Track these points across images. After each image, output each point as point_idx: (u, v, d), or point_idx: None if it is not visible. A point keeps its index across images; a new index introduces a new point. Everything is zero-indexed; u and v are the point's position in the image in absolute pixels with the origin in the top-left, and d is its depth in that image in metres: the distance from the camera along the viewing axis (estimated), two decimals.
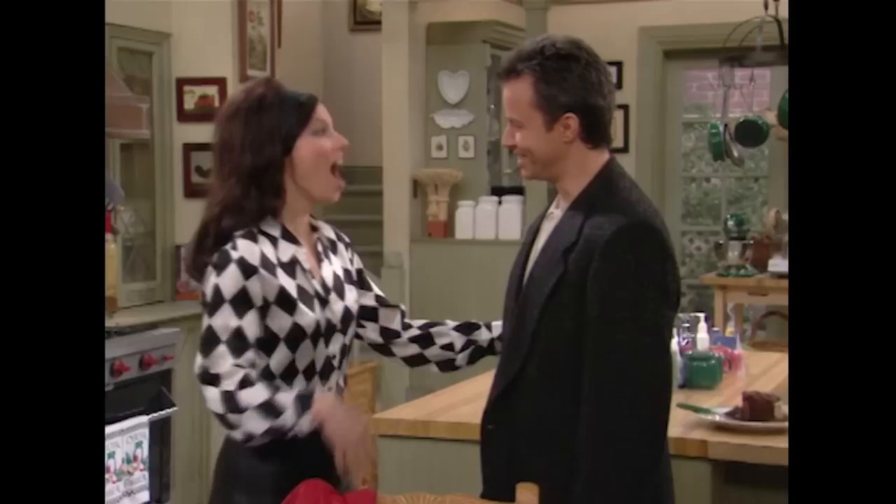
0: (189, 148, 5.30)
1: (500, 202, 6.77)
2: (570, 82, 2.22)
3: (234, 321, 2.24)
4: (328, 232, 2.51)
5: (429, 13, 6.91)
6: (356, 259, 2.55)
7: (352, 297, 2.45)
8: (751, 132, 6.40)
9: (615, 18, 7.28)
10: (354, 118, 7.81)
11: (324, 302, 2.36)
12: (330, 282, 2.40)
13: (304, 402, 2.22)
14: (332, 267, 2.44)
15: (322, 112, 2.40)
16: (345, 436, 2.20)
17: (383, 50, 6.84)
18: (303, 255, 2.36)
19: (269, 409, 2.18)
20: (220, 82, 5.26)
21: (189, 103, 5.30)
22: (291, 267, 2.33)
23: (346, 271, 2.48)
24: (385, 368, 5.52)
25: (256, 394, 2.20)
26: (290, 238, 2.37)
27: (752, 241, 6.63)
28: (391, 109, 6.71)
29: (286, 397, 2.21)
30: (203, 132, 5.28)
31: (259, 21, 5.44)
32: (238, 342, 2.24)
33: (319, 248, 2.44)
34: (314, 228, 2.46)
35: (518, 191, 6.87)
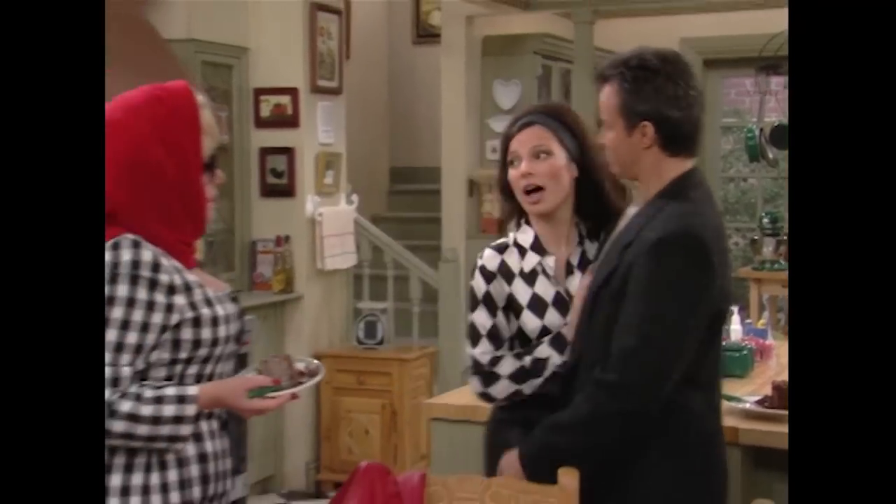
0: (265, 152, 5.32)
1: None
2: (646, 93, 2.19)
3: (488, 321, 2.38)
4: (594, 248, 2.45)
5: (484, 27, 6.89)
6: None
7: None
8: (785, 135, 6.30)
9: (658, 30, 7.18)
10: (416, 123, 7.82)
11: (566, 307, 2.37)
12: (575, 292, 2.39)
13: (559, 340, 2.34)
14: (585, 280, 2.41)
15: (514, 143, 2.42)
16: None
17: (442, 61, 6.83)
18: (549, 263, 2.40)
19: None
20: (293, 92, 5.27)
21: (265, 111, 5.32)
22: (532, 276, 2.39)
23: None
24: (442, 353, 5.52)
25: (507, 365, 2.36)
26: (539, 249, 2.41)
27: (785, 237, 6.53)
28: (449, 115, 6.70)
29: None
30: (278, 137, 5.36)
31: (328, 35, 5.44)
32: (494, 337, 2.39)
33: (574, 260, 2.42)
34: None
35: None
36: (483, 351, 2.38)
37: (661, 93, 2.18)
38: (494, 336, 2.39)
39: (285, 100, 5.27)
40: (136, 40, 4.51)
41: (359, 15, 7.40)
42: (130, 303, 1.95)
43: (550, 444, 2.19)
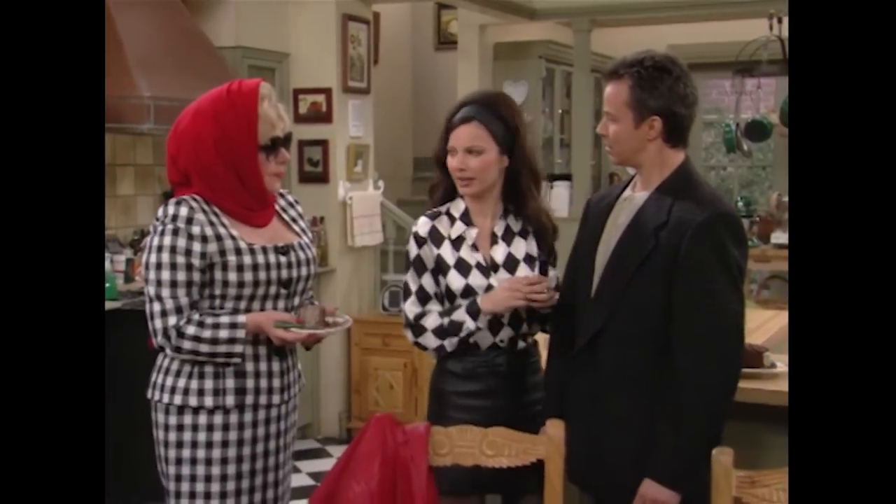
0: (303, 143, 5.30)
1: (551, 186, 6.66)
2: (661, 91, 2.13)
3: (415, 282, 2.37)
4: (518, 223, 2.42)
5: (496, 35, 6.83)
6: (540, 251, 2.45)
7: (526, 274, 2.38)
8: (758, 130, 6.25)
9: (648, 37, 7.06)
10: (436, 119, 7.72)
11: (487, 271, 2.34)
12: (500, 259, 2.37)
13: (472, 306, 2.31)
14: (510, 249, 2.39)
15: (453, 137, 2.37)
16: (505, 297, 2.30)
17: (459, 64, 6.78)
18: (472, 234, 2.37)
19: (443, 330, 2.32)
20: (327, 91, 5.25)
21: (303, 108, 5.29)
22: (458, 242, 2.36)
23: (529, 256, 2.40)
24: None
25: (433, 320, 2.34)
26: (466, 220, 2.39)
27: (758, 219, 6.48)
28: None
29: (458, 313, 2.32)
30: (314, 131, 5.34)
31: (358, 42, 5.40)
32: (421, 295, 2.36)
33: (499, 231, 2.40)
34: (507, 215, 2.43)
35: (567, 177, 6.77)
36: (410, 307, 2.38)
37: (673, 91, 2.13)
38: (420, 294, 2.37)
39: (320, 98, 5.24)
40: (194, 48, 4.50)
41: (386, 24, 7.35)
42: (173, 249, 2.15)
43: (681, 454, 2.07)
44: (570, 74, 7.03)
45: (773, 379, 2.60)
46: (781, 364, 2.69)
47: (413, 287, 2.37)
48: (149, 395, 2.27)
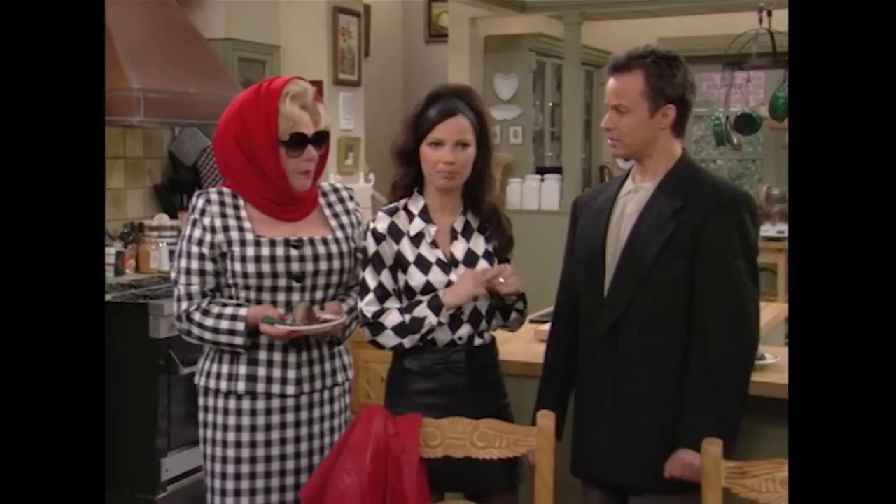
0: None
1: (542, 179, 6.67)
2: (677, 79, 2.17)
3: (374, 279, 2.31)
4: (476, 219, 2.38)
5: (486, 27, 6.82)
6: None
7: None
8: (747, 123, 6.24)
9: (638, 31, 7.08)
10: None
11: (448, 268, 2.31)
12: (460, 255, 2.33)
13: (434, 301, 2.27)
14: (469, 245, 2.35)
15: (440, 130, 2.29)
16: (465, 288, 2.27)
17: (450, 57, 6.77)
18: (431, 231, 2.33)
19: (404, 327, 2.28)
20: (318, 84, 5.21)
21: None
22: (418, 238, 2.32)
23: (489, 252, 2.36)
24: None
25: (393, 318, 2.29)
26: (425, 217, 2.34)
27: None
28: None
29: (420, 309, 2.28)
30: None
31: (349, 35, 5.38)
32: (380, 292, 2.31)
33: (458, 227, 2.36)
34: (469, 212, 2.39)
35: (557, 170, 6.76)
36: (368, 305, 2.31)
37: (686, 79, 2.18)
38: (379, 292, 2.31)
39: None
40: (184, 41, 4.47)
41: (377, 17, 7.32)
42: (189, 239, 2.27)
43: (720, 421, 2.07)
44: (560, 67, 7.03)
45: (763, 371, 2.61)
46: (770, 356, 2.69)
47: (371, 284, 2.31)
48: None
